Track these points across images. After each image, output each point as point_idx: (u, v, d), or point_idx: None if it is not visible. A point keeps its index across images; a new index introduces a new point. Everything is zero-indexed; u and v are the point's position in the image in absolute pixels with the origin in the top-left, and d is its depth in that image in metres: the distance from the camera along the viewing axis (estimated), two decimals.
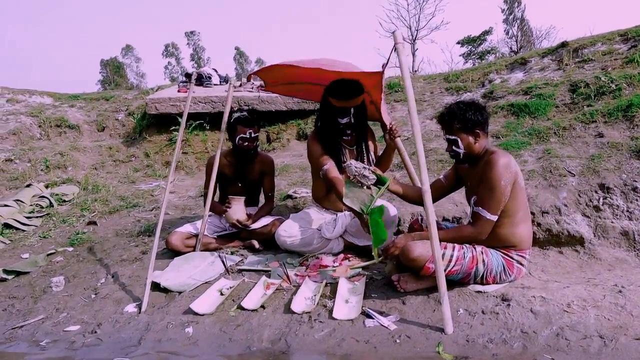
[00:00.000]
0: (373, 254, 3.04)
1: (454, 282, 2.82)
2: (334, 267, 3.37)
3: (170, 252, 3.81)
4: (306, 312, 2.82)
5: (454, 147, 2.85)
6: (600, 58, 5.85)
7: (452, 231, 2.85)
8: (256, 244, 3.87)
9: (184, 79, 8.21)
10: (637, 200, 3.57)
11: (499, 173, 2.65)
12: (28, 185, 5.75)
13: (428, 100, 6.73)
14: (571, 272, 3.23)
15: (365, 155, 3.69)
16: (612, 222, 3.54)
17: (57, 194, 5.62)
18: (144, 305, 3.13)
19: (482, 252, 2.79)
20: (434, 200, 3.16)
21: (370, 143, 3.76)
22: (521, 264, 2.87)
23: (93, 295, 3.41)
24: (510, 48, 25.16)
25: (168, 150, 7.15)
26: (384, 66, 3.32)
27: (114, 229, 4.73)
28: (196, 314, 2.95)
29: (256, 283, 3.23)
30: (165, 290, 3.30)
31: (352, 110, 3.48)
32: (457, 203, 3.92)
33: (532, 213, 3.61)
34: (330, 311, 2.79)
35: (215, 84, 7.82)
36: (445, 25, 25.89)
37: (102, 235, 4.58)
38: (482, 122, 2.79)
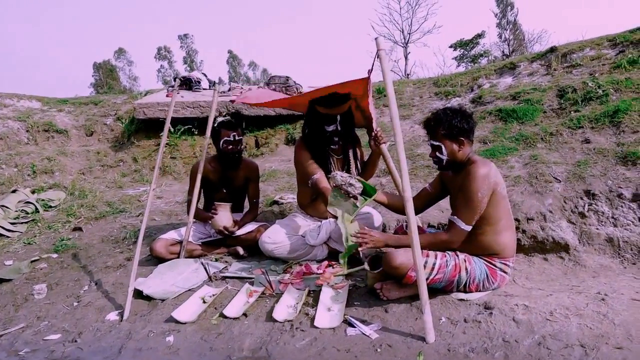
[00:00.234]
0: (341, 261, 3.07)
1: (436, 290, 2.82)
2: (317, 274, 3.35)
3: (155, 259, 3.78)
4: (288, 321, 2.80)
5: (437, 154, 2.84)
6: (588, 63, 5.88)
7: (427, 237, 2.84)
8: (241, 250, 3.85)
9: (179, 81, 8.17)
10: (622, 206, 3.57)
11: (477, 185, 2.64)
12: (14, 191, 5.69)
13: (417, 104, 6.73)
14: (555, 280, 3.22)
15: (352, 163, 3.67)
16: (597, 228, 3.53)
17: (43, 200, 5.57)
18: (126, 313, 3.10)
19: (465, 260, 2.78)
20: (422, 208, 3.17)
21: (357, 150, 3.75)
22: (504, 271, 2.86)
23: (75, 303, 3.38)
24: (503, 52, 25.23)
25: (156, 155, 7.06)
26: (370, 72, 3.30)
27: (99, 235, 4.69)
28: (178, 322, 2.92)
29: (239, 290, 3.20)
30: (148, 298, 3.27)
31: (338, 117, 3.47)
32: (443, 209, 3.91)
33: (517, 220, 3.61)
34: (312, 319, 2.76)
35: (204, 89, 7.78)
36: (438, 29, 25.97)
37: (87, 242, 4.54)
38: (468, 130, 2.79)
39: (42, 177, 6.40)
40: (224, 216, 3.80)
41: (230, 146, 3.87)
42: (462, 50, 25.77)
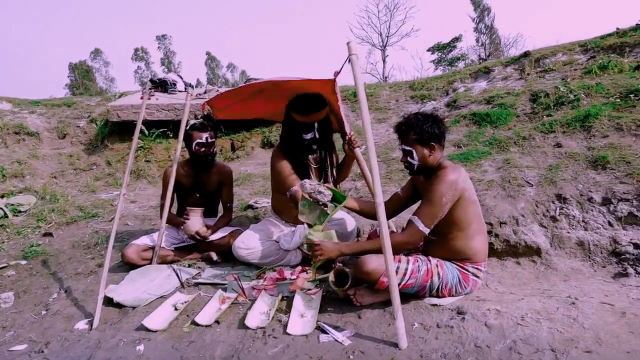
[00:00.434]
0: (311, 270, 3.08)
1: (409, 296, 2.81)
2: (291, 279, 3.32)
3: (126, 265, 3.71)
4: (260, 328, 2.76)
5: (408, 158, 2.84)
6: (560, 68, 5.96)
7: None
8: (214, 256, 3.81)
9: (150, 85, 8.08)
10: (592, 210, 3.61)
11: (442, 190, 2.65)
12: None
13: (393, 108, 6.76)
14: (527, 283, 3.24)
15: (329, 171, 3.65)
16: (568, 232, 3.57)
17: (12, 204, 5.45)
18: (96, 322, 3.02)
19: (437, 265, 2.79)
20: (394, 213, 3.16)
21: (333, 155, 3.73)
22: (477, 276, 2.87)
23: (43, 312, 3.29)
24: (479, 56, 25.53)
25: None
26: (336, 74, 3.28)
27: (70, 240, 4.60)
28: (149, 330, 2.85)
29: (212, 297, 3.16)
30: (119, 306, 3.20)
31: (316, 125, 3.44)
32: None
33: (490, 224, 3.63)
34: (285, 326, 2.73)
35: (180, 91, 7.71)
36: (416, 32, 26.20)
37: (58, 248, 4.44)
38: (439, 135, 2.79)
39: (12, 181, 6.26)
40: (196, 221, 3.76)
41: (203, 148, 3.82)
42: (439, 54, 26.02)
